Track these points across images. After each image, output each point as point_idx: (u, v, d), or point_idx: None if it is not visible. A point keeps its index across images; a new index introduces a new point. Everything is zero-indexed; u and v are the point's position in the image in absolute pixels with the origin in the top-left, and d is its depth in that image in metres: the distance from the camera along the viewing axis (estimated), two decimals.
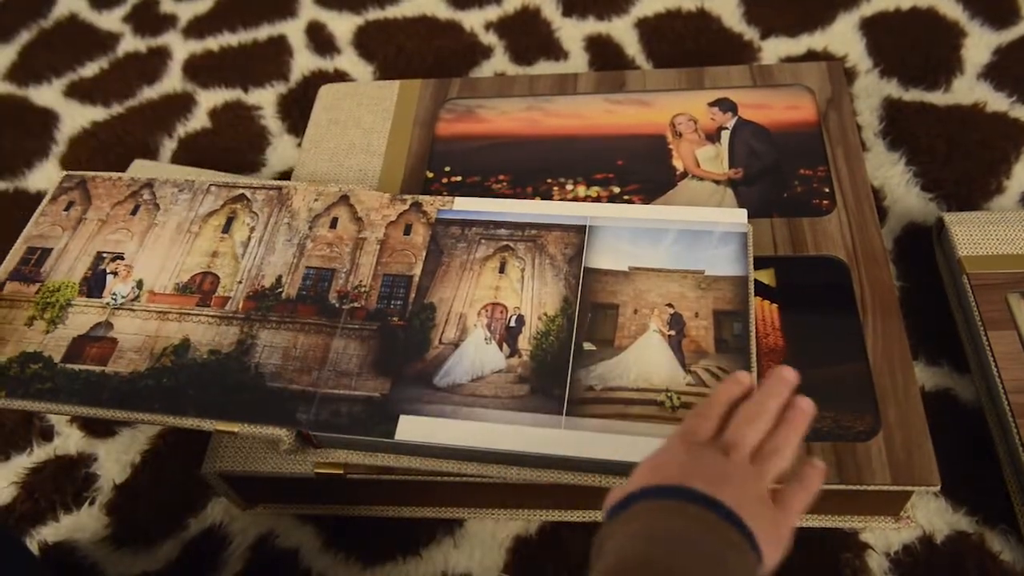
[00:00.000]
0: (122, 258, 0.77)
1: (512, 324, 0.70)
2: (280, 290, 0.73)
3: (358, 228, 0.77)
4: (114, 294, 0.74)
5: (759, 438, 0.54)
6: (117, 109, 1.11)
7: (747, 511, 0.49)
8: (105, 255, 0.77)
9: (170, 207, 0.80)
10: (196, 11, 1.22)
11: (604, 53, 1.07)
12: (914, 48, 1.00)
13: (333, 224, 0.77)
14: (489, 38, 1.11)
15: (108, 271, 0.76)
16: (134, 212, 0.80)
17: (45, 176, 1.05)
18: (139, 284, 0.75)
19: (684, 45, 1.06)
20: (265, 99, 1.09)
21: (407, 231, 0.77)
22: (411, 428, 0.64)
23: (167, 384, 0.68)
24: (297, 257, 0.75)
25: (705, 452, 0.53)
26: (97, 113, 1.11)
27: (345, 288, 0.73)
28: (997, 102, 0.93)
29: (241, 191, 0.81)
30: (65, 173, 0.84)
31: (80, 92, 1.14)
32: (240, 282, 0.74)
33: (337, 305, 0.72)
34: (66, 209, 0.80)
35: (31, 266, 0.77)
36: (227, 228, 0.78)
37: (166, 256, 0.77)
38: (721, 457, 0.52)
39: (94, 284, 0.75)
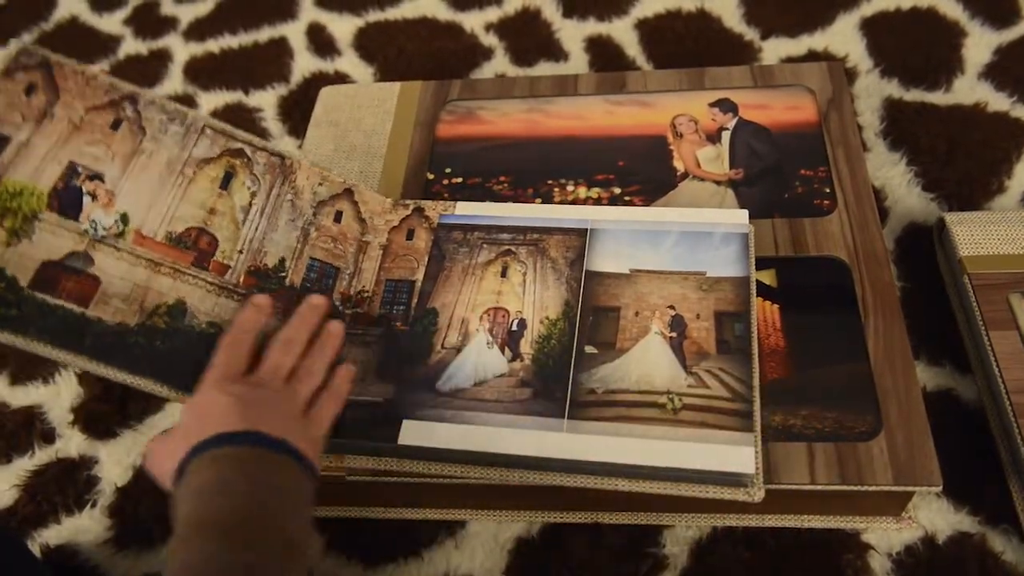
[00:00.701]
0: (101, 180, 0.67)
1: (514, 328, 0.70)
2: (284, 275, 0.71)
3: (362, 230, 0.77)
4: (93, 221, 0.65)
5: (292, 363, 0.61)
6: None
7: (287, 431, 0.55)
8: (80, 169, 0.66)
9: (159, 136, 0.71)
10: (197, 13, 1.22)
11: (604, 54, 1.07)
12: (915, 48, 1.00)
13: (338, 218, 0.76)
14: (489, 39, 1.11)
15: (85, 191, 0.66)
16: (115, 127, 0.69)
17: None
18: (123, 218, 0.66)
19: (684, 46, 1.06)
20: (266, 101, 1.09)
21: (409, 236, 0.77)
22: (414, 432, 0.65)
23: (161, 348, 0.63)
24: (301, 243, 0.73)
25: (240, 389, 0.57)
26: None
27: (348, 292, 0.73)
28: (998, 102, 0.93)
29: (240, 146, 0.74)
30: (22, 46, 0.69)
31: None
32: (241, 252, 0.70)
33: (341, 308, 0.72)
34: (27, 93, 0.67)
35: None
36: (226, 184, 0.72)
37: (155, 195, 0.69)
38: (255, 389, 0.57)
39: (67, 201, 0.65)
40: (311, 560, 0.51)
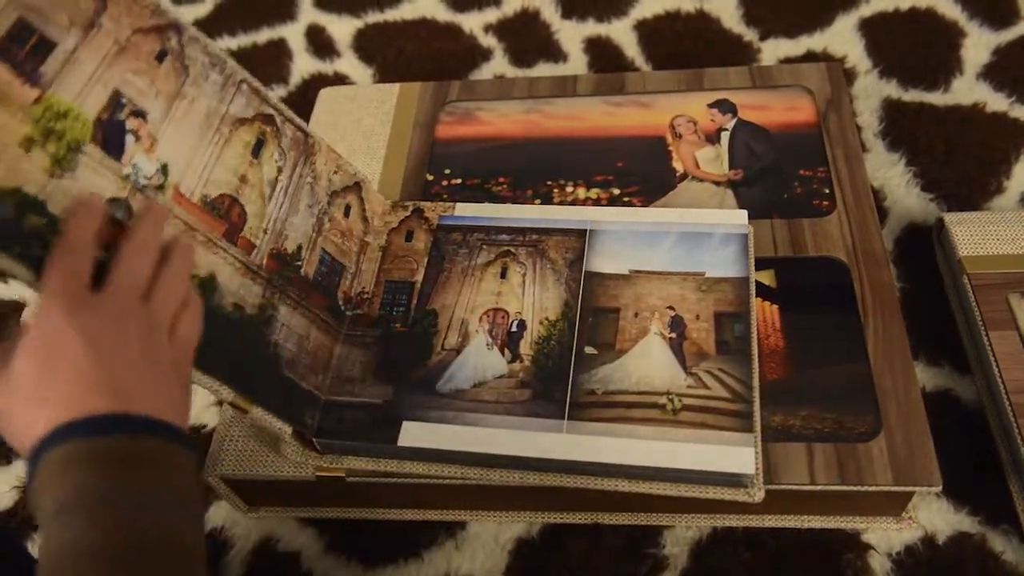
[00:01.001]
0: (144, 118, 0.60)
1: (513, 329, 0.70)
2: (299, 263, 0.70)
3: (364, 229, 0.77)
4: (135, 166, 0.58)
5: (149, 273, 0.50)
6: None
7: (153, 386, 0.46)
8: (125, 101, 0.59)
9: (200, 81, 0.65)
10: (196, 14, 1.22)
11: (603, 55, 1.07)
12: (913, 48, 1.00)
13: (347, 212, 0.75)
14: (488, 40, 1.12)
15: (128, 128, 0.59)
16: (159, 58, 0.62)
17: None
18: (164, 170, 0.60)
19: (683, 46, 1.06)
20: None
21: (408, 237, 0.77)
22: (414, 434, 0.65)
23: None
24: (316, 232, 0.71)
25: (92, 320, 0.46)
26: None
27: (350, 292, 0.73)
28: (996, 102, 0.93)
29: (272, 112, 0.70)
30: None
31: None
32: (265, 231, 0.67)
33: (343, 308, 0.72)
34: None
35: (26, 53, 0.54)
36: (257, 152, 0.68)
37: (194, 149, 0.63)
38: (109, 314, 0.47)
39: (111, 136, 0.57)
40: (202, 542, 0.45)
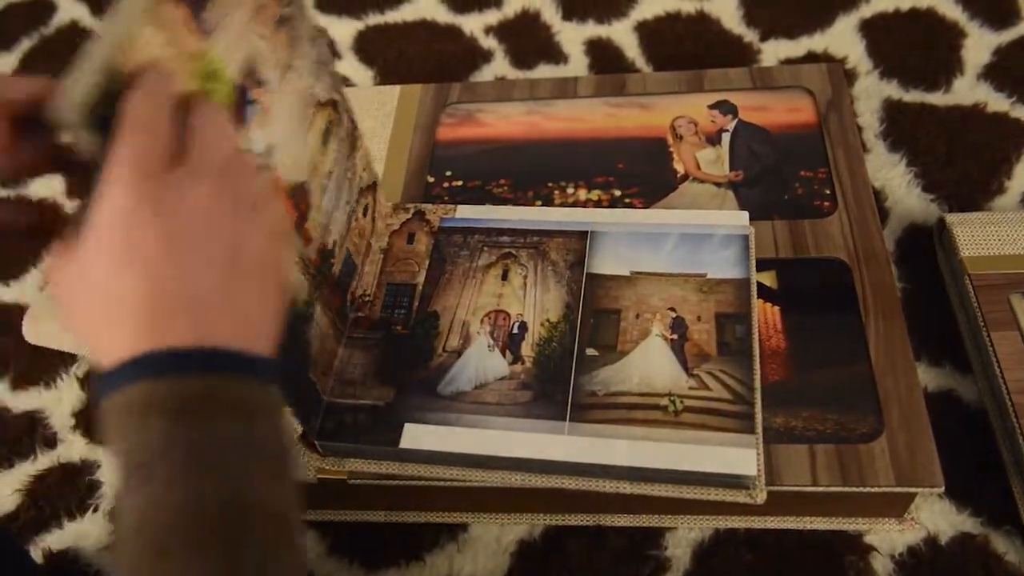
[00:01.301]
0: (265, 88, 0.55)
1: (515, 331, 0.70)
2: (333, 261, 0.68)
3: (372, 230, 0.76)
4: (251, 140, 0.54)
5: (232, 146, 0.43)
6: None
7: (243, 310, 0.39)
8: (256, 65, 0.53)
9: (303, 55, 0.59)
10: None
11: (604, 56, 1.07)
12: (914, 49, 1.00)
13: (365, 212, 0.75)
14: (489, 42, 1.12)
15: (250, 97, 0.53)
16: (280, 23, 0.56)
17: (46, 184, 1.05)
18: (269, 150, 0.55)
19: (684, 48, 1.06)
20: None
21: (410, 240, 0.77)
22: (415, 436, 0.65)
23: None
24: (345, 230, 0.69)
25: (172, 218, 0.38)
26: None
27: (355, 294, 0.73)
28: (997, 102, 0.93)
29: (338, 99, 0.66)
30: None
31: None
32: (319, 225, 0.63)
33: (347, 310, 0.72)
34: None
35: None
36: (325, 140, 0.63)
37: (293, 131, 0.58)
38: (196, 209, 0.39)
39: (241, 102, 0.52)
40: (291, 497, 0.40)
